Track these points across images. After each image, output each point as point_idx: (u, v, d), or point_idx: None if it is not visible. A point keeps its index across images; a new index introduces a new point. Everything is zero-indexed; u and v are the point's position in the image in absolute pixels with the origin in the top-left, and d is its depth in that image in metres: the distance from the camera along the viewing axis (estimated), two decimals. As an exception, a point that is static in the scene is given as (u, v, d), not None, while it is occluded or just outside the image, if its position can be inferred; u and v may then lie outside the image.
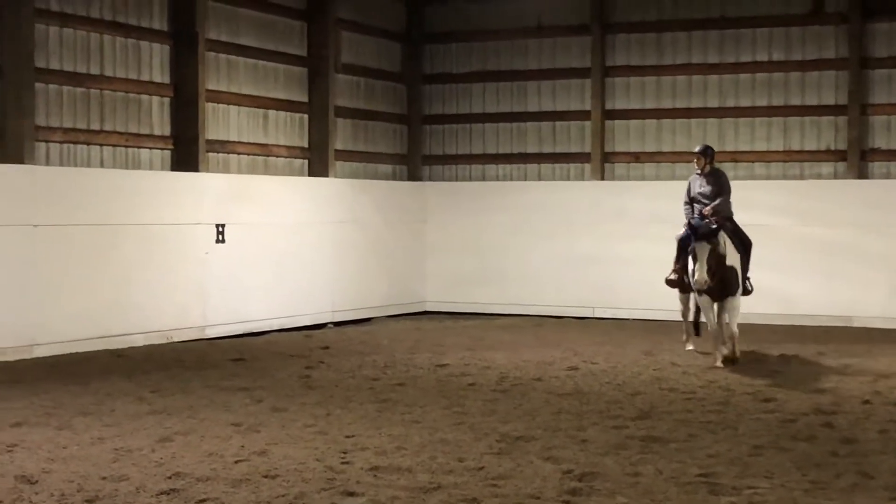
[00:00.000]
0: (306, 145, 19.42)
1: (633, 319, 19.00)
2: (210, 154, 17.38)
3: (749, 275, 14.12)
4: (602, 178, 20.33)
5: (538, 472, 8.26)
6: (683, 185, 14.79)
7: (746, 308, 14.89)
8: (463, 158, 21.60)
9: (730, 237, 13.80)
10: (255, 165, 18.49)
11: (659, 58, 20.12)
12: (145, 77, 16.52)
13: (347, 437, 9.42)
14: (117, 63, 16.11)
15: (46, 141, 15.13)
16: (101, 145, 15.89)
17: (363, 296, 19.32)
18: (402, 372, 13.23)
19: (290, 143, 19.16)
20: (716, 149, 15.56)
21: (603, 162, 20.42)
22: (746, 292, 14.10)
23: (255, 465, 8.37)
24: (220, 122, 17.75)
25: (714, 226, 13.63)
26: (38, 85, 14.88)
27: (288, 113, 19.09)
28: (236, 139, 18.08)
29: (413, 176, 21.68)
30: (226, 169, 17.79)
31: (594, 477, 8.10)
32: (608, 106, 20.42)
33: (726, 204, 14.16)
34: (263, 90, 18.56)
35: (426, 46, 21.71)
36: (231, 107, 17.96)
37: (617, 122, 20.43)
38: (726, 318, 13.81)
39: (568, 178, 20.73)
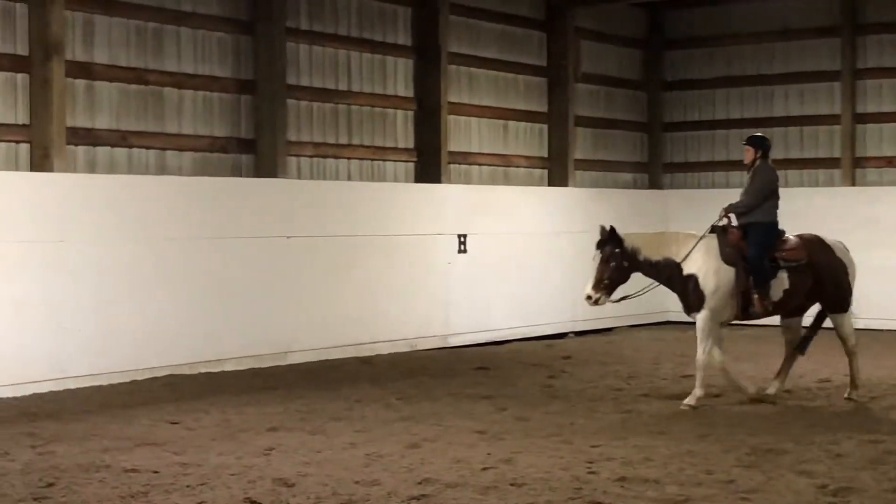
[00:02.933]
0: (546, 155, 19.48)
1: (887, 331, 18.25)
2: (452, 166, 17.64)
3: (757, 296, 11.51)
4: (853, 184, 19.65)
5: (790, 486, 8.03)
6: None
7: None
8: (705, 166, 21.24)
9: (720, 243, 11.58)
10: (496, 176, 18.66)
11: (914, 59, 19.35)
12: (390, 91, 16.91)
13: (593, 446, 9.38)
14: (363, 78, 16.55)
15: (298, 155, 15.67)
16: (348, 159, 16.35)
17: (604, 305, 19.12)
18: (645, 382, 13.09)
19: (529, 154, 19.26)
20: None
21: (854, 167, 19.73)
22: (753, 315, 11.65)
23: (502, 473, 8.43)
24: (462, 133, 18.00)
25: (726, 223, 11.66)
26: (289, 101, 15.42)
27: (528, 123, 19.20)
28: (477, 150, 18.30)
29: (654, 184, 21.46)
30: (467, 180, 18.02)
31: (850, 492, 7.82)
32: (859, 109, 19.73)
33: (749, 203, 11.78)
34: (503, 101, 18.72)
35: (666, 53, 21.46)
36: (472, 118, 18.19)
37: (869, 125, 19.72)
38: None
39: (816, 184, 20.11)
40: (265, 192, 14.61)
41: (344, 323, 15.20)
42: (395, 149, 16.99)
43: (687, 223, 20.25)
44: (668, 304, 20.30)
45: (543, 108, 19.41)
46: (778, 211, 11.98)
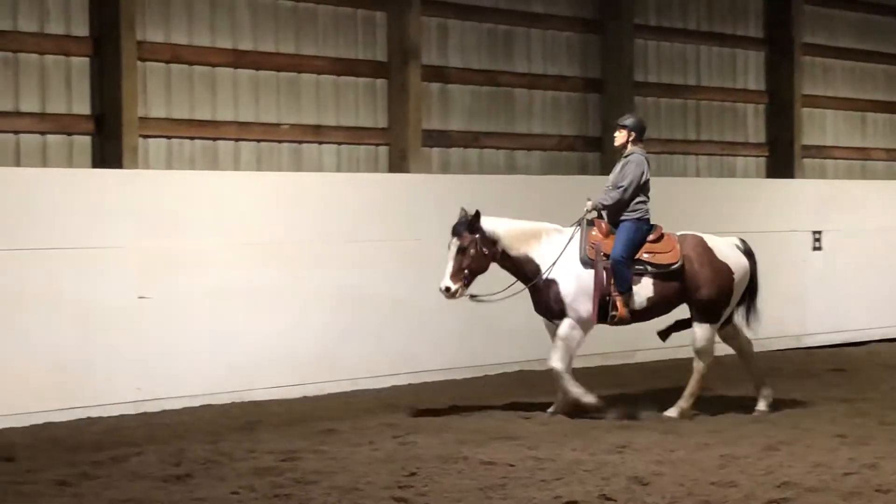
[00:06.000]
0: (907, 148, 18.57)
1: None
2: (805, 160, 17.09)
3: (619, 300, 10.28)
4: None
5: None
6: None
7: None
8: None
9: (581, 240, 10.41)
10: (852, 170, 17.94)
11: None
12: (740, 85, 16.56)
13: (966, 455, 8.83)
14: (713, 72, 16.28)
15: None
16: (696, 154, 16.13)
17: None
18: None
19: (889, 146, 18.38)
20: None
21: None
22: (612, 322, 10.39)
23: (866, 479, 8.06)
24: (816, 126, 17.41)
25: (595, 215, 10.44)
26: (636, 98, 15.37)
27: (888, 115, 18.32)
28: (832, 144, 17.64)
29: None
30: (822, 174, 17.41)
31: None
32: None
33: (620, 198, 10.48)
34: (861, 92, 17.98)
35: None
36: (827, 111, 17.56)
37: None
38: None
39: None
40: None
41: (692, 322, 14.94)
42: (745, 143, 16.64)
43: None
44: None
45: (906, 99, 18.52)
46: (647, 205, 10.66)
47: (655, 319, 10.92)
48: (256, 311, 11.58)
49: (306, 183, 12.43)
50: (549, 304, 10.39)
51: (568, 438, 9.58)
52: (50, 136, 11.44)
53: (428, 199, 12.94)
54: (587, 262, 10.32)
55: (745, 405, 11.28)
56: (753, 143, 16.72)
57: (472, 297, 10.43)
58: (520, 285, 10.59)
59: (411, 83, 13.41)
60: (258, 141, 12.77)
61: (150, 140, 11.97)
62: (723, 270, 10.69)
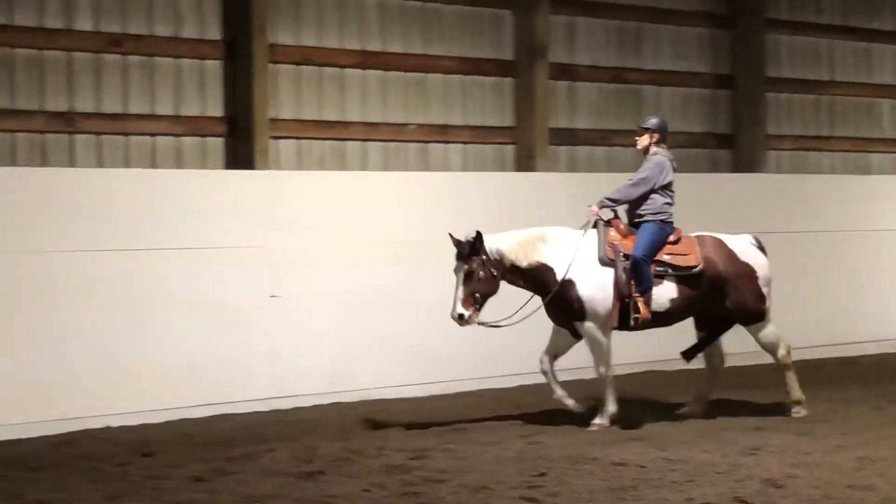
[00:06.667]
0: None
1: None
2: (946, 156, 16.64)
3: (640, 302, 9.93)
4: None
5: None
6: None
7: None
8: None
9: (599, 241, 10.05)
10: None
11: None
12: (876, 80, 16.18)
13: None
14: (847, 67, 15.93)
15: (777, 149, 15.33)
16: (831, 151, 15.80)
17: None
18: None
19: None
20: None
21: None
22: (634, 324, 10.00)
23: None
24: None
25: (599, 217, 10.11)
26: (768, 94, 15.12)
27: None
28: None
29: None
30: (962, 171, 16.93)
31: None
32: None
33: (627, 193, 10.25)
34: None
35: None
36: None
37: None
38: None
39: None
40: (743, 188, 14.36)
41: (824, 321, 14.65)
42: (881, 140, 16.24)
43: None
44: None
45: None
46: (672, 207, 10.31)
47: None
48: (385, 310, 11.66)
49: (434, 182, 12.48)
50: (567, 305, 9.95)
51: (699, 440, 9.45)
52: (184, 139, 11.68)
53: (556, 198, 12.85)
54: (606, 263, 9.97)
55: (879, 405, 11.03)
56: (891, 138, 16.31)
57: (481, 323, 9.92)
58: (533, 305, 10.09)
59: (538, 82, 13.37)
60: (386, 141, 12.86)
61: (281, 141, 12.14)
62: (746, 271, 10.41)
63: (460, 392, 11.90)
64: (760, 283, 10.49)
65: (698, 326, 10.62)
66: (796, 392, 10.57)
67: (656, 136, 10.38)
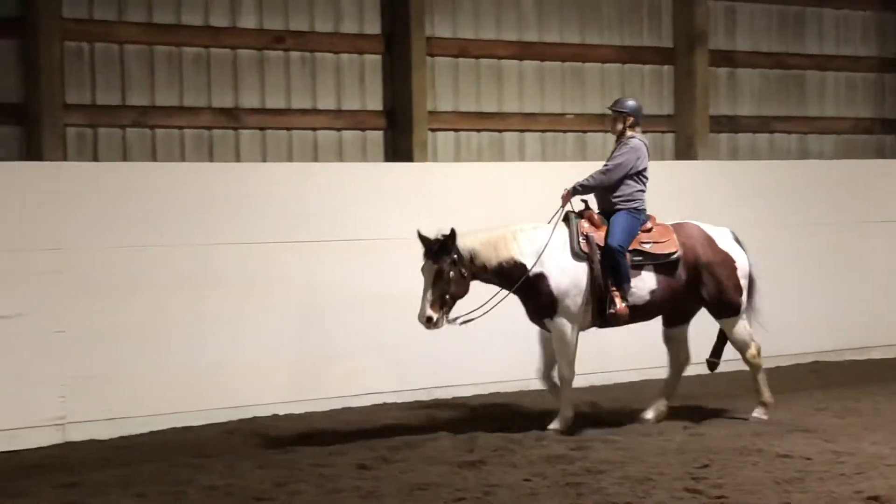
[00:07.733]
0: None
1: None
2: None
3: (617, 296, 9.36)
4: None
5: None
6: None
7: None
8: None
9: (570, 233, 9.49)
10: None
11: None
12: None
13: None
14: None
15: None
16: None
17: None
18: None
19: None
20: None
21: None
22: (611, 319, 9.43)
23: None
24: None
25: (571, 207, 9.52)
26: (939, 77, 14.68)
27: None
28: None
29: None
30: None
31: None
32: None
33: (599, 179, 9.65)
34: None
35: None
36: None
37: None
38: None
39: None
40: None
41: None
42: None
43: None
44: None
45: None
46: (644, 195, 9.69)
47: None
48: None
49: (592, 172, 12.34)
50: (540, 301, 9.43)
51: (867, 432, 9.24)
52: (345, 132, 11.86)
53: (717, 187, 12.69)
54: (580, 255, 9.47)
55: None
56: None
57: (452, 321, 9.38)
58: (501, 295, 9.58)
59: (698, 69, 13.21)
60: (543, 131, 12.85)
61: (439, 133, 12.23)
62: (726, 259, 9.85)
63: (620, 383, 11.80)
64: (739, 273, 9.89)
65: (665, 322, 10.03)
66: (766, 393, 9.94)
67: (630, 119, 9.79)
